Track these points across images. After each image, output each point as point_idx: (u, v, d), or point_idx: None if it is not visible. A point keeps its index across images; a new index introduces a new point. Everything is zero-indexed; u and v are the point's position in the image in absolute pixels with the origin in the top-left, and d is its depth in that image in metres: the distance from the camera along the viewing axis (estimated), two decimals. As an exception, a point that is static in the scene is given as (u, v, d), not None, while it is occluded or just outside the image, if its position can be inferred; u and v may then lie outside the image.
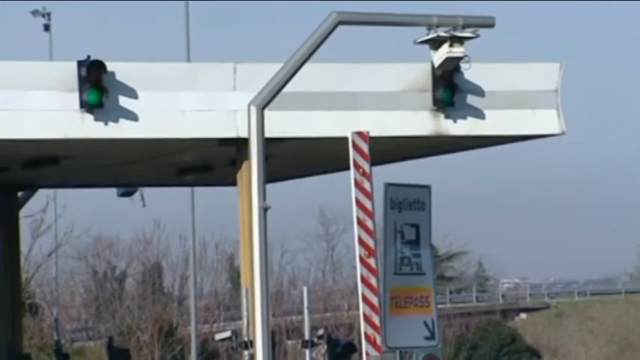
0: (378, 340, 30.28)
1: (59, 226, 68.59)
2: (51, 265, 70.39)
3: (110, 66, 37.25)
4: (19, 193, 49.99)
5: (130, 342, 57.86)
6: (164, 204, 60.35)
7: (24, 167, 43.31)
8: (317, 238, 66.08)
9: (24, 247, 54.33)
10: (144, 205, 49.82)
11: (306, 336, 46.24)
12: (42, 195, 54.24)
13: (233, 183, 38.07)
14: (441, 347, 33.47)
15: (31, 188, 50.47)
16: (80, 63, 37.22)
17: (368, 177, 30.62)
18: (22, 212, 51.54)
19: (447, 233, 47.09)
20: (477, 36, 35.35)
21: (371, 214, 30.54)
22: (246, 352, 37.35)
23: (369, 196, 30.63)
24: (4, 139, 37.93)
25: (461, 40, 35.20)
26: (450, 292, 70.19)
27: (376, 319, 30.34)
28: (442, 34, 35.40)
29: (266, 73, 33.65)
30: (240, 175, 35.98)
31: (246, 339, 37.49)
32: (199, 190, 56.76)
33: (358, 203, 30.64)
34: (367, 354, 30.68)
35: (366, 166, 30.68)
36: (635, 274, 76.63)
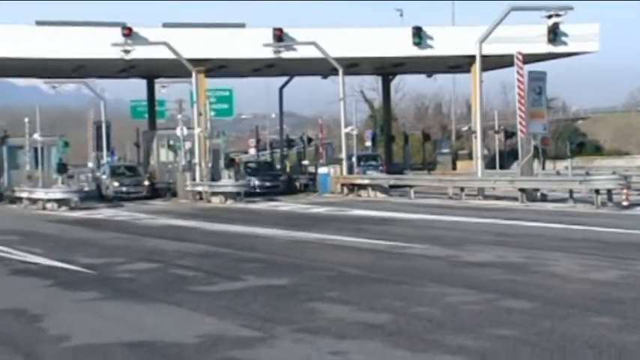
0: (524, 130, 29.56)
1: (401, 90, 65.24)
2: (399, 101, 67.18)
3: (425, 28, 36.41)
4: (390, 77, 46.81)
5: (429, 132, 55.48)
6: (443, 80, 58.70)
7: (392, 67, 41.41)
8: (497, 94, 63.05)
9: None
10: (429, 77, 47.69)
11: (496, 128, 45.51)
12: (398, 79, 51.67)
13: (469, 72, 37.15)
14: (547, 132, 32.54)
15: (393, 74, 46.14)
16: (413, 27, 36.26)
17: (522, 68, 29.74)
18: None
19: (551, 90, 44.60)
20: (566, 13, 33.77)
21: (522, 82, 29.72)
22: (473, 135, 36.43)
23: (522, 75, 29.81)
24: (364, 57, 36.59)
25: (559, 15, 33.67)
26: (551, 114, 66.66)
27: (524, 123, 29.61)
28: (552, 12, 33.90)
29: (483, 29, 32.68)
30: (473, 68, 35.12)
31: (473, 130, 36.71)
32: (457, 76, 54.04)
33: (519, 79, 29.86)
34: (520, 136, 30.00)
35: (521, 64, 29.78)
36: (626, 104, 72.39)
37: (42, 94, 66.91)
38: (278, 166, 44.03)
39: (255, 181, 37.51)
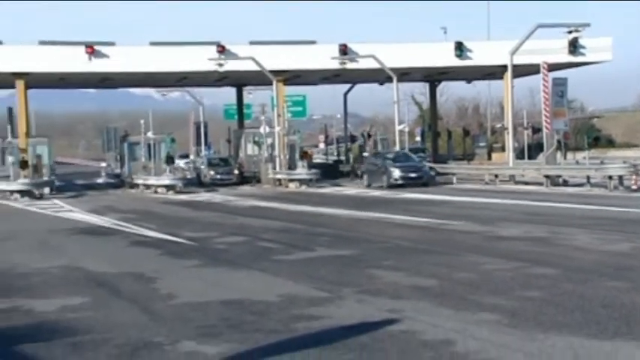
0: (549, 126, 28.91)
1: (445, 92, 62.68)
2: (443, 103, 64.90)
3: (465, 43, 34.99)
4: (436, 83, 44.14)
5: (469, 128, 53.40)
6: (481, 86, 56.00)
7: (438, 75, 39.72)
8: (525, 97, 59.77)
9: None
10: (468, 83, 45.99)
11: (525, 125, 43.99)
12: (442, 84, 49.49)
13: (502, 78, 35.64)
14: (568, 128, 31.69)
15: (438, 81, 43.83)
16: (455, 42, 34.69)
17: (547, 75, 29.08)
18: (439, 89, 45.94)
19: (571, 93, 42.50)
20: (584, 29, 32.83)
21: (547, 87, 29.04)
22: (505, 131, 34.98)
23: (547, 81, 29.13)
24: (415, 67, 35.19)
25: (578, 31, 32.86)
26: (571, 113, 64.53)
27: (549, 120, 28.98)
28: (572, 28, 33.07)
29: (513, 43, 31.91)
30: (505, 76, 33.88)
31: (505, 127, 35.32)
32: (492, 82, 51.53)
33: (544, 84, 29.20)
34: (545, 131, 29.32)
35: (546, 72, 29.14)
36: (635, 105, 69.08)
37: (154, 101, 68.19)
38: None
39: (398, 172, 29.68)
